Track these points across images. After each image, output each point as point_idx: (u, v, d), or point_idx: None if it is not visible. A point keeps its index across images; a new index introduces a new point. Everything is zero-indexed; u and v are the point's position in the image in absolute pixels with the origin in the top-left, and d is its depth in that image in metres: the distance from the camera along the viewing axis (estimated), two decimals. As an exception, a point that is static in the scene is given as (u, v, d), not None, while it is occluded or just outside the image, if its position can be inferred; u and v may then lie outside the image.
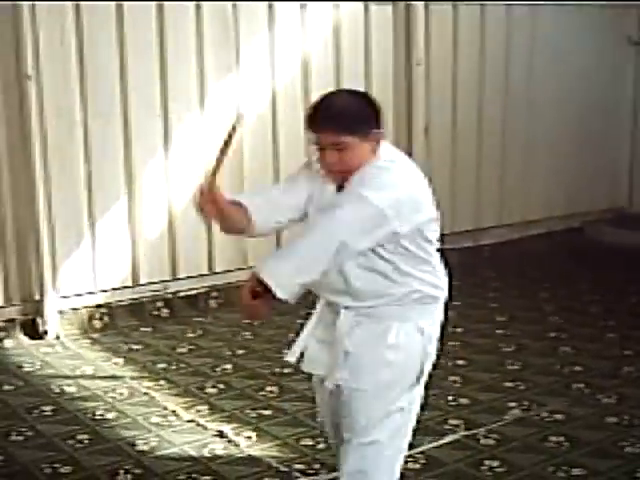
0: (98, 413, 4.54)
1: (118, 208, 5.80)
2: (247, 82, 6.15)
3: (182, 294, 6.14)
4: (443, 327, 3.15)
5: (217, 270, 6.23)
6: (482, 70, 7.30)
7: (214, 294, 6.24)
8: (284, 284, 2.81)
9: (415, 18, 6.81)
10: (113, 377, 5.04)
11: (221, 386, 4.89)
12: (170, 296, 6.09)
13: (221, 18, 6.03)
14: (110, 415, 4.52)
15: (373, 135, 2.93)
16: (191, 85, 5.97)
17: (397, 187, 2.89)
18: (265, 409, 4.59)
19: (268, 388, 4.86)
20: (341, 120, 2.88)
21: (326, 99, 2.99)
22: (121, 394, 4.79)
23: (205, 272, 6.20)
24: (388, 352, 3.00)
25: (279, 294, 2.80)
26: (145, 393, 4.80)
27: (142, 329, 5.83)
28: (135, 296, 5.97)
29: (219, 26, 6.03)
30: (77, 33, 5.54)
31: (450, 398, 4.69)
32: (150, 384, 4.93)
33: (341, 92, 3.22)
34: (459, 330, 5.71)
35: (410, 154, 6.81)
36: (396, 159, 3.00)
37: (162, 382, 4.96)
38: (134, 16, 5.69)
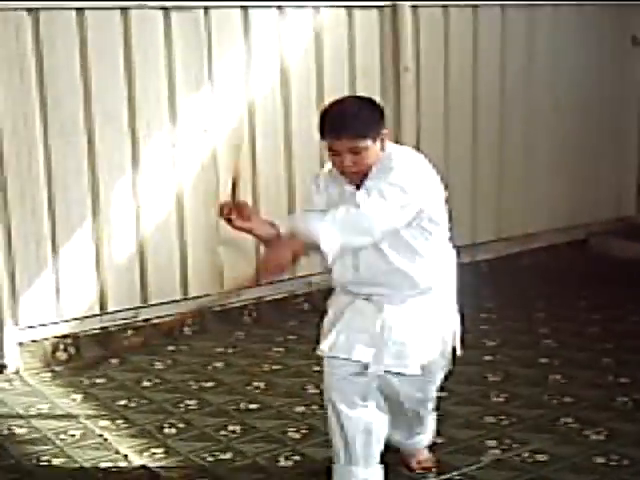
0: (44, 459, 4.22)
1: (83, 232, 5.49)
2: (221, 95, 5.81)
3: (154, 322, 5.80)
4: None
5: (191, 295, 5.89)
6: (476, 75, 6.92)
7: (188, 321, 5.90)
8: (331, 239, 3.12)
9: (402, 22, 6.43)
10: (68, 416, 4.72)
11: (181, 425, 4.55)
12: (141, 324, 5.75)
13: (192, 26, 5.69)
14: (56, 461, 4.20)
15: (382, 135, 3.31)
16: (160, 100, 5.63)
17: (414, 171, 3.33)
18: (223, 451, 4.25)
19: (230, 427, 4.52)
20: (357, 126, 3.21)
21: (337, 107, 3.31)
22: (73, 436, 4.46)
23: (178, 297, 5.86)
24: (428, 336, 3.54)
25: (324, 246, 3.11)
26: (99, 435, 4.47)
27: (110, 360, 5.50)
28: (103, 325, 5.65)
29: (190, 35, 5.69)
30: (35, 45, 5.20)
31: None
32: (106, 423, 4.60)
33: (349, 99, 3.49)
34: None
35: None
36: (401, 150, 3.45)
37: (119, 421, 4.63)
38: (97, 24, 5.35)
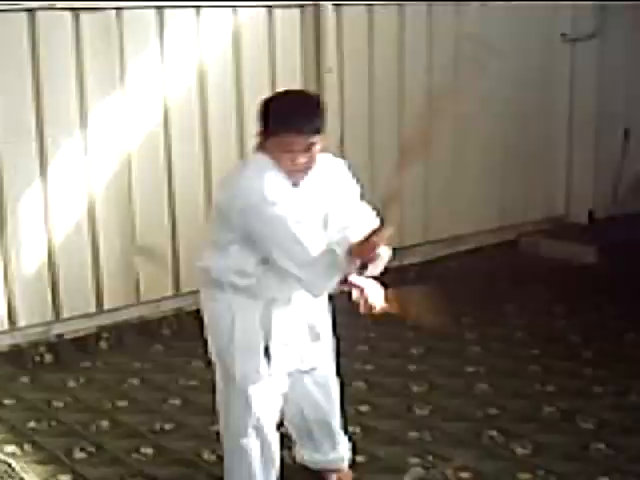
0: (-59, 492, 3.97)
1: (-12, 244, 5.22)
2: (135, 98, 5.57)
3: (68, 336, 5.55)
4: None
5: (107, 308, 5.65)
6: (402, 76, 6.76)
7: (105, 334, 5.67)
8: None
9: (325, 21, 6.24)
10: (-28, 442, 4.46)
11: (91, 449, 4.33)
12: (54, 339, 5.51)
13: (103, 27, 5.43)
14: (-46, 493, 3.95)
15: None
16: (70, 104, 5.37)
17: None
18: (134, 476, 4.04)
19: (143, 449, 4.30)
20: (318, 121, 3.13)
21: (294, 99, 3.24)
22: (-25, 464, 4.21)
23: (93, 310, 5.62)
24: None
25: None
26: (4, 462, 4.22)
27: (20, 379, 5.25)
28: (13, 342, 5.39)
29: (100, 36, 5.43)
30: None
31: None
32: (13, 449, 4.36)
33: (300, 92, 3.62)
34: (368, 368, 5.19)
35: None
36: None
37: (27, 446, 4.39)
38: (1, 27, 5.08)
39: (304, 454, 3.78)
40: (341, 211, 3.37)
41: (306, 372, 3.57)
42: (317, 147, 3.18)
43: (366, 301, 3.33)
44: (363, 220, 3.37)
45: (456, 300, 6.32)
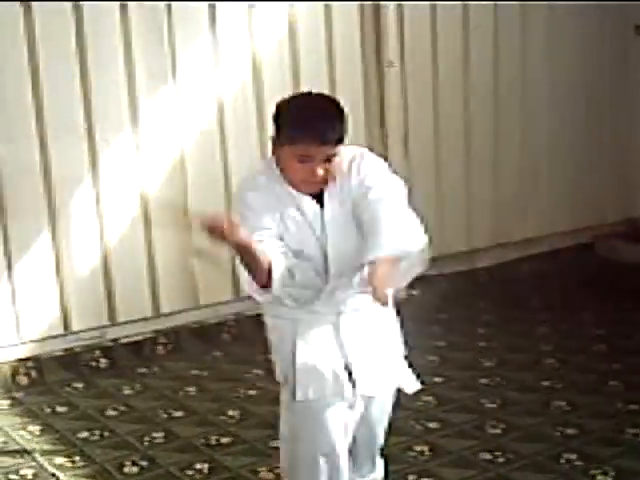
0: (-14, 506, 3.79)
1: (40, 245, 5.04)
2: (187, 94, 5.35)
3: (124, 341, 5.36)
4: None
5: (164, 312, 5.44)
6: (467, 71, 6.43)
7: (162, 339, 5.47)
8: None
9: (385, 12, 5.96)
10: (21, 452, 4.29)
11: (144, 463, 4.12)
12: (109, 344, 5.32)
13: (152, 21, 5.22)
14: (0, 507, 3.77)
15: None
16: (120, 100, 5.17)
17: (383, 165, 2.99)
18: (187, 495, 3.82)
19: (198, 465, 4.08)
20: (339, 130, 2.83)
21: (313, 105, 2.88)
22: (23, 476, 4.03)
23: (149, 315, 5.41)
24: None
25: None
26: (52, 474, 4.04)
27: (74, 384, 5.08)
28: (67, 346, 5.21)
29: (150, 29, 5.21)
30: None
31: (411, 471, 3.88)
32: (62, 461, 4.17)
33: (319, 96, 3.01)
34: (437, 380, 4.90)
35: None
36: (353, 150, 3.00)
37: (77, 458, 4.20)
38: (46, 19, 4.89)
39: None
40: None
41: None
42: (336, 158, 2.88)
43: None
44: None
45: (529, 307, 6.03)
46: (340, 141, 2.86)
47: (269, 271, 2.84)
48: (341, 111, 2.89)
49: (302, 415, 3.05)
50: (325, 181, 2.89)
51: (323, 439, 3.05)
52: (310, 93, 3.08)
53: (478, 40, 6.41)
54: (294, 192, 2.95)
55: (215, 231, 2.70)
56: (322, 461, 3.08)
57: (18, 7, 4.81)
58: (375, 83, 5.99)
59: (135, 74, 5.16)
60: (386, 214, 2.78)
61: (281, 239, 2.96)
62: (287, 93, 5.51)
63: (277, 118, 2.92)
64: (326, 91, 5.69)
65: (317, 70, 5.77)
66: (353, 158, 2.97)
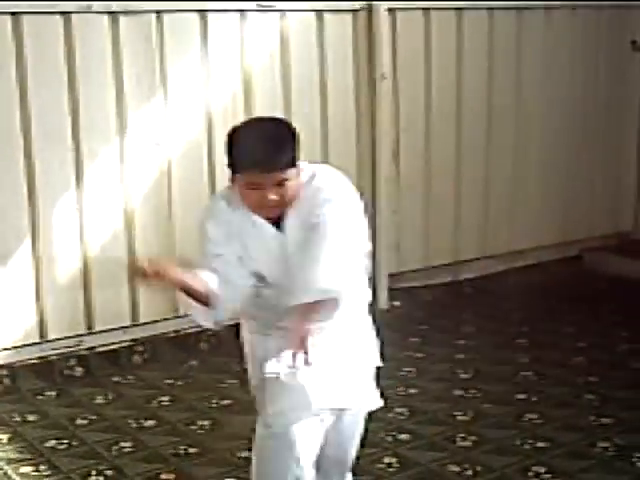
0: (-53, 515, 3.76)
1: (20, 252, 5.02)
2: (176, 104, 5.33)
3: (100, 349, 5.33)
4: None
5: (142, 321, 5.42)
6: (460, 84, 6.42)
7: (139, 348, 5.44)
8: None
9: (378, 25, 5.93)
10: (-12, 460, 4.26)
11: (110, 472, 4.09)
12: (85, 352, 5.29)
13: (142, 31, 5.21)
14: (-40, 517, 3.74)
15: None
16: (108, 110, 5.15)
17: (346, 185, 2.96)
18: (151, 506, 3.79)
19: (164, 475, 4.05)
20: (286, 155, 2.78)
21: (255, 133, 2.83)
22: (-14, 485, 4.00)
23: (127, 324, 5.38)
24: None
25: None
26: (16, 483, 4.01)
27: (47, 393, 5.05)
28: (43, 354, 5.18)
29: (140, 40, 5.20)
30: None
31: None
32: (28, 470, 4.14)
33: (263, 122, 2.99)
34: (412, 392, 4.87)
35: (374, 182, 6.02)
36: (315, 169, 2.97)
37: (42, 467, 4.17)
38: (35, 30, 4.87)
39: None
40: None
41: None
42: (291, 181, 2.82)
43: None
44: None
45: (511, 320, 6.00)
46: (289, 165, 2.80)
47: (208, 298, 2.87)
48: (292, 135, 2.84)
49: (271, 427, 3.00)
50: (281, 205, 2.85)
51: (288, 452, 2.99)
52: (261, 119, 3.08)
53: (472, 54, 6.39)
54: (253, 217, 2.92)
55: (144, 275, 2.74)
56: (289, 474, 3.03)
57: (6, 17, 4.81)
58: (367, 97, 5.96)
59: (124, 84, 5.15)
60: (313, 257, 2.80)
61: (243, 264, 2.96)
62: (278, 105, 5.61)
63: (229, 147, 2.88)
64: (317, 103, 5.72)
65: (308, 82, 5.76)
66: (311, 178, 2.93)
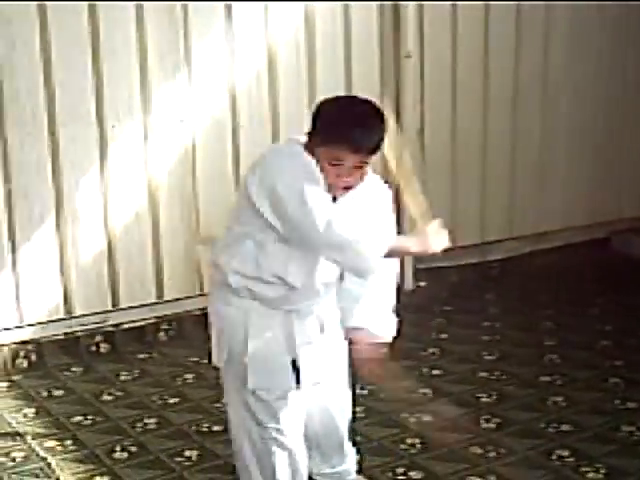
0: (-26, 487, 3.80)
1: (45, 229, 5.04)
2: (200, 82, 5.32)
3: (126, 326, 5.36)
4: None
5: (167, 298, 5.43)
6: (487, 62, 6.33)
7: (164, 326, 5.46)
8: None
9: (405, 4, 5.87)
10: (14, 435, 4.30)
11: (134, 449, 4.11)
12: (111, 329, 5.31)
13: (167, 8, 5.17)
14: (-12, 489, 3.77)
15: None
16: (132, 87, 5.15)
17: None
18: (175, 482, 3.81)
19: (187, 452, 4.07)
20: (379, 140, 2.82)
21: (359, 112, 2.81)
22: (13, 459, 4.05)
23: (153, 301, 5.40)
24: None
25: None
26: (43, 458, 4.05)
27: (73, 369, 5.08)
28: (69, 330, 5.21)
29: (164, 16, 5.17)
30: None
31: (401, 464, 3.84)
32: (53, 444, 4.18)
33: (366, 103, 2.90)
34: (436, 373, 4.86)
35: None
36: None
37: (68, 442, 4.20)
38: (60, 9, 4.86)
39: (312, 467, 3.44)
40: None
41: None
42: (368, 167, 2.87)
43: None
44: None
45: (537, 302, 5.97)
46: (374, 151, 2.83)
47: None
48: (382, 121, 2.85)
49: (254, 402, 3.08)
50: (352, 187, 2.88)
51: (275, 425, 3.11)
52: (355, 97, 3.05)
53: (498, 34, 6.32)
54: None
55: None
56: (276, 446, 3.13)
57: (33, 5, 4.81)
58: (392, 76, 5.91)
59: (148, 61, 5.13)
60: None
61: None
62: (302, 84, 5.58)
63: (316, 117, 2.89)
64: (342, 82, 5.69)
65: (333, 61, 5.72)
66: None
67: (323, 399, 3.25)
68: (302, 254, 2.92)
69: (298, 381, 3.07)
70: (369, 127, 2.79)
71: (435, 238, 2.94)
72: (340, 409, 3.34)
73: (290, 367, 3.05)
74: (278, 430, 3.12)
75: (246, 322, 3.02)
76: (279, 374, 3.05)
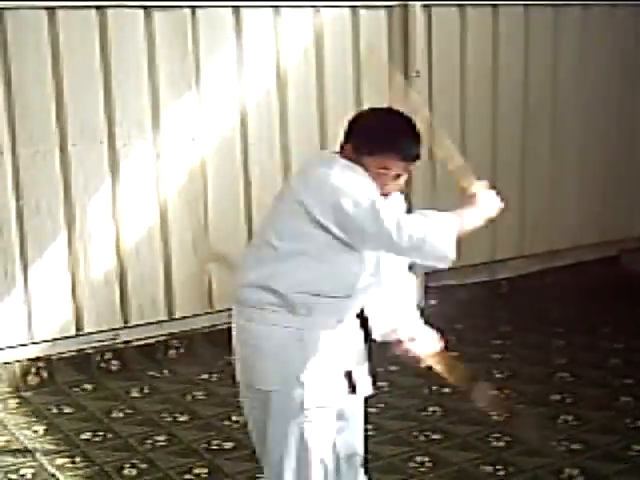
0: (-16, 504, 3.81)
1: (57, 246, 5.07)
2: (210, 100, 5.35)
3: (136, 343, 5.37)
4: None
5: (177, 315, 5.45)
6: (495, 82, 6.37)
7: (174, 343, 5.47)
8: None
9: (413, 22, 5.90)
10: (23, 451, 4.31)
11: (143, 466, 4.12)
12: (121, 346, 5.33)
13: (176, 26, 5.22)
14: (-4, 506, 3.78)
15: None
16: (142, 106, 5.18)
17: None
18: (183, 500, 3.81)
19: (196, 470, 4.06)
20: (416, 149, 2.94)
21: (410, 124, 2.94)
22: (22, 476, 4.04)
23: (163, 318, 5.41)
24: None
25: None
26: (52, 475, 4.05)
27: (84, 386, 5.10)
28: (79, 347, 5.23)
29: (174, 35, 5.22)
30: (2, 47, 4.78)
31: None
32: (63, 461, 4.18)
33: (398, 114, 2.99)
34: (445, 391, 4.84)
35: (410, 178, 5.98)
36: None
37: (78, 459, 4.21)
38: (70, 24, 4.92)
39: None
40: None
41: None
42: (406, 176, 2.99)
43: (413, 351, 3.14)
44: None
45: (548, 320, 5.96)
46: (418, 158, 2.94)
47: None
48: (419, 132, 2.96)
49: (310, 421, 2.99)
50: (389, 195, 2.95)
51: (324, 444, 3.03)
52: (390, 109, 3.10)
53: (508, 51, 6.35)
54: None
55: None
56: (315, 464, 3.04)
57: (42, 12, 4.84)
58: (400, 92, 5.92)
59: (158, 80, 5.18)
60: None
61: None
62: (312, 103, 5.60)
63: (356, 129, 2.95)
64: (351, 99, 5.71)
65: (343, 78, 5.74)
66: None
67: (351, 415, 3.19)
68: (360, 264, 2.96)
69: (354, 392, 3.05)
70: (414, 136, 2.92)
71: (489, 197, 3.13)
72: (358, 430, 3.24)
73: (347, 380, 3.03)
74: (321, 449, 3.03)
75: (300, 340, 2.97)
76: (336, 388, 3.00)
